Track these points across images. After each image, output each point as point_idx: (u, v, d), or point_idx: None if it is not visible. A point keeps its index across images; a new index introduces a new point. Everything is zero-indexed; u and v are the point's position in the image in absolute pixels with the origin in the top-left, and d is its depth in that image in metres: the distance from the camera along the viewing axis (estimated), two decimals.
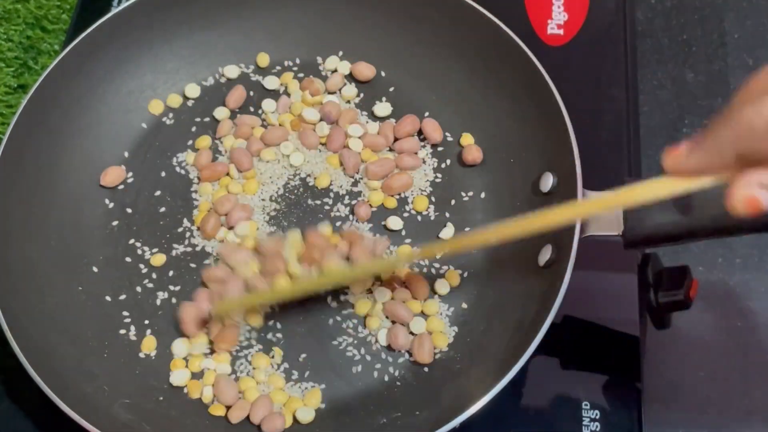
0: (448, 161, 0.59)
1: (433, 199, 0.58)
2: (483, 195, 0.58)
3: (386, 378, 0.52)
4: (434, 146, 0.60)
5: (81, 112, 0.58)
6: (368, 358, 0.53)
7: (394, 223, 0.57)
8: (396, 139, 0.60)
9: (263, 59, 0.63)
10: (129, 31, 0.59)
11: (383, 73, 0.62)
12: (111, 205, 0.58)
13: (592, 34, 0.65)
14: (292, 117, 0.60)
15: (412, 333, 0.53)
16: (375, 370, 0.52)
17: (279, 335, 0.53)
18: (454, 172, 0.59)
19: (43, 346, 0.49)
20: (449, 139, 0.60)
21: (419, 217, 0.57)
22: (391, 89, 0.62)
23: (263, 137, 0.59)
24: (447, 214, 0.57)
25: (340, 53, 0.63)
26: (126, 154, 0.59)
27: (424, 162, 0.59)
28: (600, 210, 0.46)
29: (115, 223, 0.57)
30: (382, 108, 0.61)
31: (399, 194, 0.58)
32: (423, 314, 0.54)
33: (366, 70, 0.62)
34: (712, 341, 0.57)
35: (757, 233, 0.46)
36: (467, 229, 0.56)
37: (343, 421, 0.50)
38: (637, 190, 0.37)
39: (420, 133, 0.60)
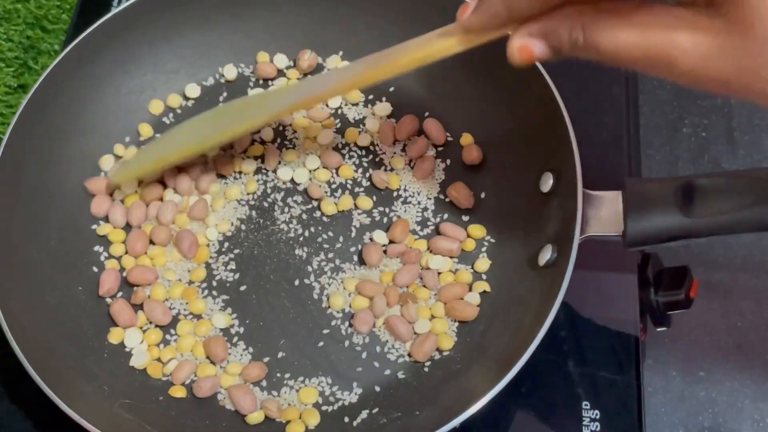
0: (449, 161, 0.59)
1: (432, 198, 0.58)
2: (483, 195, 0.58)
3: (386, 378, 0.52)
4: (434, 146, 0.60)
5: (81, 112, 0.58)
6: (368, 357, 0.53)
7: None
8: (396, 140, 0.60)
9: (263, 59, 0.63)
10: (129, 31, 0.59)
11: None
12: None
13: None
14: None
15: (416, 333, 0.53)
16: (375, 370, 0.52)
17: (281, 341, 0.54)
18: (454, 172, 0.59)
19: (43, 346, 0.49)
20: (449, 139, 0.60)
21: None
22: (391, 89, 0.62)
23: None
24: (446, 215, 0.57)
25: (341, 53, 0.63)
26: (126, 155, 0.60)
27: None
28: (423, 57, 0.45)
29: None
30: (382, 108, 0.61)
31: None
32: (432, 316, 0.54)
33: None
34: (712, 341, 0.57)
35: (757, 233, 0.46)
36: (465, 230, 0.57)
37: (344, 421, 0.50)
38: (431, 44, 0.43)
39: (420, 133, 0.60)
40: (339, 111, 0.61)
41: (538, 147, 0.55)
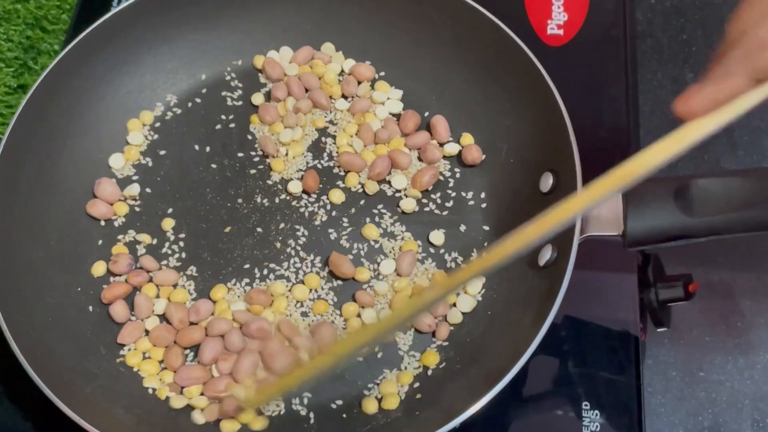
0: (449, 161, 0.59)
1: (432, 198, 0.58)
2: (483, 195, 0.58)
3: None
4: (439, 145, 0.60)
5: (81, 112, 0.58)
6: (369, 358, 0.53)
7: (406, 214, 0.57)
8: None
9: (262, 59, 0.63)
10: (129, 31, 0.59)
11: (383, 73, 0.62)
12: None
13: (592, 34, 0.65)
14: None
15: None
16: (375, 371, 0.52)
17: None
18: (454, 172, 0.59)
19: (43, 346, 0.49)
20: (449, 139, 0.60)
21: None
22: (391, 89, 0.62)
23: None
24: (446, 214, 0.57)
25: (340, 52, 0.63)
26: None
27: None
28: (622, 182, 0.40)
29: (115, 222, 0.57)
30: (383, 108, 0.61)
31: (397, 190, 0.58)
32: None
33: (366, 71, 0.62)
34: (712, 341, 0.57)
35: (756, 233, 0.46)
36: (464, 229, 0.57)
37: (344, 421, 0.50)
38: (655, 151, 0.38)
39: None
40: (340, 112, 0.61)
41: (538, 147, 0.55)
